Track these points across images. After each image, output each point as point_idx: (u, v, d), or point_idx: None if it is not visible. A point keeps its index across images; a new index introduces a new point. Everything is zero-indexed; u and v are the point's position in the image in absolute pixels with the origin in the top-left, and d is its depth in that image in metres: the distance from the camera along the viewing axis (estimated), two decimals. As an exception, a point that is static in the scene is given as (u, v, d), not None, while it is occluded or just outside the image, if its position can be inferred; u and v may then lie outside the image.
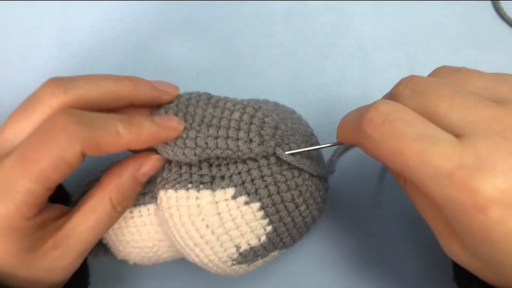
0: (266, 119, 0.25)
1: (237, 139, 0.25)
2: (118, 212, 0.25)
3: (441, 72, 0.23)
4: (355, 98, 0.36)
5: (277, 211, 0.26)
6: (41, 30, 0.37)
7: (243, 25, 0.37)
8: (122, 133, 0.23)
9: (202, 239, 0.25)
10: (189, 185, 0.26)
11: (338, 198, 0.34)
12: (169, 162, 0.27)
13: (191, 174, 0.26)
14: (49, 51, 0.37)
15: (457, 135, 0.19)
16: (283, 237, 0.27)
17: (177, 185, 0.26)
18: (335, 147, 0.34)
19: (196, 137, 0.25)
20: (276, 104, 0.30)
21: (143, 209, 0.27)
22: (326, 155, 0.33)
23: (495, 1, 0.38)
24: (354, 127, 0.22)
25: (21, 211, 0.21)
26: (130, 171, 0.25)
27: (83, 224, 0.24)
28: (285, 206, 0.26)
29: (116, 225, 0.27)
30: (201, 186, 0.25)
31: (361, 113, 0.21)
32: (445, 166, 0.18)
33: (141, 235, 0.28)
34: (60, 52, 0.37)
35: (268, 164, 0.26)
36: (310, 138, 0.29)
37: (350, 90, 0.37)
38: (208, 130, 0.25)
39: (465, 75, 0.22)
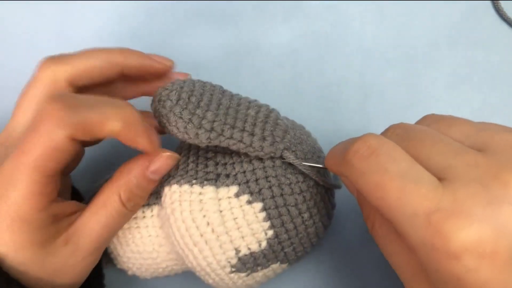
0: (279, 121, 0.25)
1: (252, 134, 0.25)
2: (128, 209, 0.25)
3: (427, 120, 0.24)
4: (355, 98, 0.36)
5: (280, 215, 0.26)
6: (42, 30, 0.37)
7: (243, 25, 0.37)
8: (110, 114, 0.22)
9: (202, 238, 0.25)
10: (194, 181, 0.25)
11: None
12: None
13: (197, 171, 0.26)
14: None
15: (440, 178, 0.19)
16: (284, 246, 0.26)
17: (181, 180, 0.26)
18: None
19: (214, 121, 0.24)
20: (286, 118, 0.29)
21: (147, 211, 0.27)
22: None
23: (495, 1, 0.38)
24: (340, 157, 0.22)
25: (30, 201, 0.22)
26: (139, 168, 0.25)
27: (93, 220, 0.24)
28: (288, 210, 0.26)
29: None
30: (205, 182, 0.25)
31: (349, 143, 0.22)
32: (422, 206, 0.18)
33: (142, 237, 0.27)
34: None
35: (273, 166, 0.26)
36: (319, 152, 0.29)
37: (350, 90, 0.37)
38: (226, 118, 0.25)
39: (449, 122, 0.22)
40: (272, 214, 0.25)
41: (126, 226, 0.27)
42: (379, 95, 0.37)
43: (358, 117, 0.36)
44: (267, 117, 0.25)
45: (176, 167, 0.26)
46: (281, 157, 0.25)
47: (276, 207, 0.25)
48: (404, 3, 0.38)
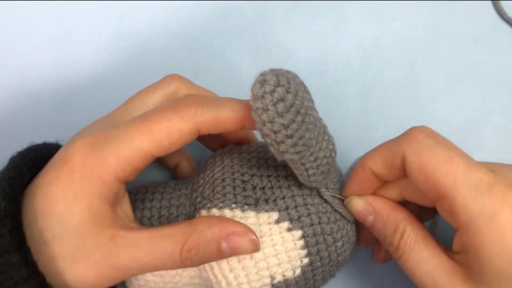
0: (335, 160, 0.26)
1: (318, 168, 0.24)
2: (178, 259, 0.23)
3: None
4: (355, 98, 0.36)
5: (317, 243, 0.25)
6: (42, 30, 0.37)
7: (243, 25, 0.37)
8: (237, 109, 0.24)
9: (240, 264, 0.25)
10: (233, 205, 0.25)
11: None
12: (212, 181, 0.26)
13: (235, 195, 0.25)
14: (49, 54, 0.37)
15: None
16: (315, 274, 0.26)
17: (220, 204, 0.25)
18: None
19: (304, 144, 0.23)
20: None
21: None
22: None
23: (495, 1, 0.38)
24: (396, 140, 0.25)
25: (119, 164, 0.23)
26: (219, 230, 0.23)
27: (144, 245, 0.22)
28: (324, 239, 0.26)
29: None
30: (245, 206, 0.25)
31: (405, 132, 0.25)
32: (485, 179, 0.22)
33: None
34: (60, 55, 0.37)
35: (311, 194, 0.26)
36: (340, 176, 0.29)
37: (350, 90, 0.37)
38: (309, 146, 0.23)
39: None
40: (310, 242, 0.25)
41: None
42: (379, 95, 0.37)
43: (358, 117, 0.36)
44: (332, 151, 0.25)
45: (212, 189, 0.26)
46: (318, 192, 0.26)
47: (314, 235, 0.25)
48: (404, 3, 0.38)
